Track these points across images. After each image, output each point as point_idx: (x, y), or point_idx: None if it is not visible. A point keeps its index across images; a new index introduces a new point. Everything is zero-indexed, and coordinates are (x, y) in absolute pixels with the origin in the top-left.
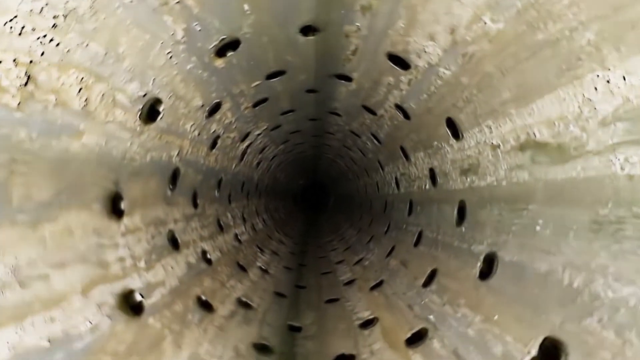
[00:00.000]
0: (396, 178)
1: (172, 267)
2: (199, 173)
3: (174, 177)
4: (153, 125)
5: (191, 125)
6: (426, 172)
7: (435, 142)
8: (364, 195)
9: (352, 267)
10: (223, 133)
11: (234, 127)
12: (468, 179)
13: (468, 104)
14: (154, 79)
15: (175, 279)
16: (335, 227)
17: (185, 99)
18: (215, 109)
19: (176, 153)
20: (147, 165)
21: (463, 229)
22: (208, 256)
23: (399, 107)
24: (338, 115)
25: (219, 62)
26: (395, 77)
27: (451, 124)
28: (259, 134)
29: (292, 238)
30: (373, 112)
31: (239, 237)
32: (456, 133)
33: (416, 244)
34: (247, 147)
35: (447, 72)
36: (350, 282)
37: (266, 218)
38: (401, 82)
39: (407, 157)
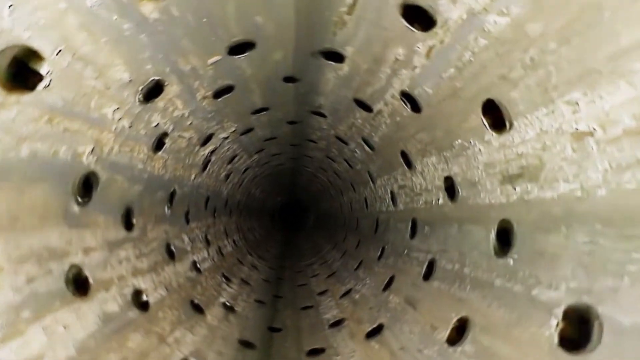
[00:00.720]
0: (392, 192)
1: (65, 327)
2: (136, 182)
3: (87, 185)
4: (29, 97)
5: (114, 111)
6: (439, 183)
7: (459, 141)
8: (349, 213)
9: (338, 300)
10: (173, 130)
11: (189, 123)
12: (518, 189)
13: (530, 73)
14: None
15: (71, 346)
16: (317, 249)
17: (96, 63)
18: (154, 91)
19: (89, 150)
20: (23, 163)
21: (510, 262)
22: (143, 298)
23: (406, 96)
24: (322, 115)
25: (150, 10)
26: (408, 45)
27: (491, 109)
28: (225, 138)
29: (267, 261)
30: (368, 108)
31: (199, 265)
32: (500, 122)
33: (426, 276)
34: (211, 153)
35: (501, 22)
36: (338, 324)
37: (237, 239)
38: (417, 52)
39: (409, 164)
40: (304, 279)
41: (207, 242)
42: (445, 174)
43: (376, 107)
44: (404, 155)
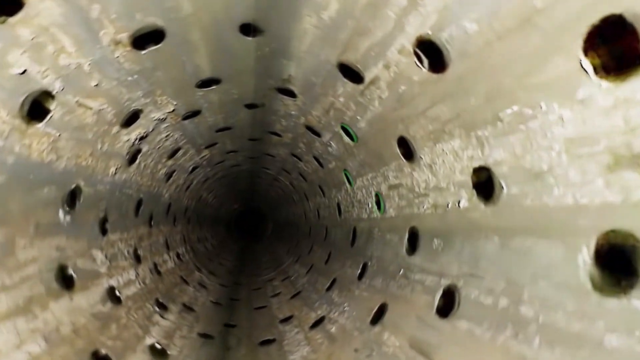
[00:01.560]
0: (378, 194)
1: None
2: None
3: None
4: None
5: None
6: (463, 178)
7: (515, 108)
8: (316, 221)
9: (308, 333)
10: (63, 90)
11: (93, 84)
12: None
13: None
14: None
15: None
16: (278, 261)
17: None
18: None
19: None
20: None
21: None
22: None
23: (424, 46)
24: (291, 95)
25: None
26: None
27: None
28: (161, 120)
29: (220, 278)
30: (358, 77)
31: (118, 293)
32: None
33: (444, 312)
34: (140, 139)
35: None
36: None
37: (183, 252)
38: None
39: (410, 155)
40: (263, 299)
41: (137, 259)
42: (477, 164)
43: (370, 73)
44: (402, 142)
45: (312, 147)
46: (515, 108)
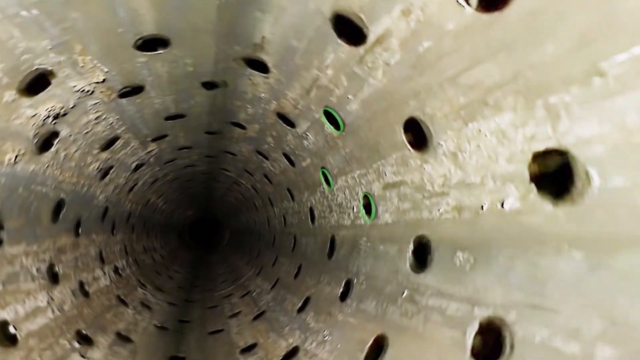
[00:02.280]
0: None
1: None
2: None
3: None
4: None
5: None
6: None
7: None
8: (282, 229)
9: None
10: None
11: None
12: None
13: None
14: None
15: None
16: (235, 273)
17: None
18: None
19: None
20: None
21: None
22: None
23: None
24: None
25: None
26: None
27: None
28: (85, 94)
29: (168, 294)
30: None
31: (13, 329)
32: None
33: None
34: (54, 119)
35: None
36: None
37: (123, 266)
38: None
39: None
40: (219, 321)
41: (53, 278)
42: (542, 146)
43: (378, 26)
44: (411, 126)
45: (282, 141)
46: (637, 51)
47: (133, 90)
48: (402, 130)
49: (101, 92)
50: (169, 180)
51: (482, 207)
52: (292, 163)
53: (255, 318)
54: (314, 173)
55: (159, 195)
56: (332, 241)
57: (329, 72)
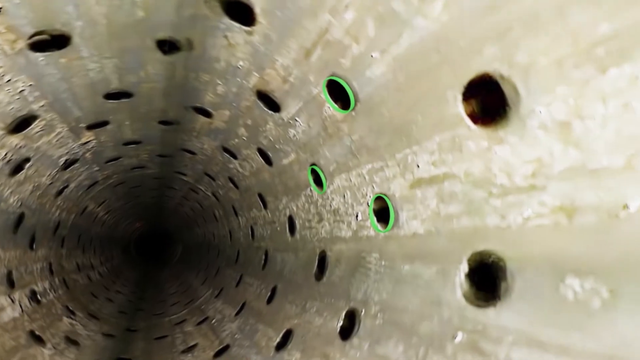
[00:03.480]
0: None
1: None
2: None
3: None
4: None
5: None
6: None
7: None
8: (249, 243)
9: None
10: None
11: None
12: None
13: None
14: None
15: None
16: (188, 294)
17: None
18: None
19: None
20: None
21: None
22: None
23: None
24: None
25: None
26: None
27: None
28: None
29: (104, 323)
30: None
31: None
32: None
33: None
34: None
35: None
36: None
37: (46, 289)
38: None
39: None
40: (168, 357)
41: None
42: None
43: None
44: (484, 87)
45: (259, 132)
46: None
47: (53, 41)
48: (459, 98)
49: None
50: (111, 185)
51: (625, 206)
52: (268, 161)
53: (217, 355)
54: (298, 172)
55: (99, 202)
56: (322, 258)
57: (349, 14)
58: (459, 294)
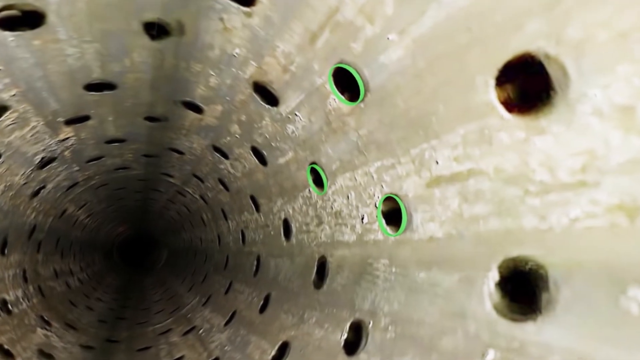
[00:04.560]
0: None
1: None
2: None
3: None
4: None
5: None
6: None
7: None
8: (239, 248)
9: None
10: None
11: None
12: None
13: None
14: None
15: None
16: (173, 301)
17: None
18: None
19: None
20: None
21: None
22: None
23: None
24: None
25: None
26: None
27: None
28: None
29: (82, 333)
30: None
31: None
32: None
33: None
34: None
35: None
36: None
37: (18, 298)
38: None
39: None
40: None
41: None
42: None
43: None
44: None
45: (254, 129)
46: None
47: (25, 18)
48: (492, 83)
49: None
50: (93, 187)
51: None
52: (263, 161)
53: None
54: (296, 172)
55: (80, 205)
56: (322, 264)
57: None
58: (488, 305)
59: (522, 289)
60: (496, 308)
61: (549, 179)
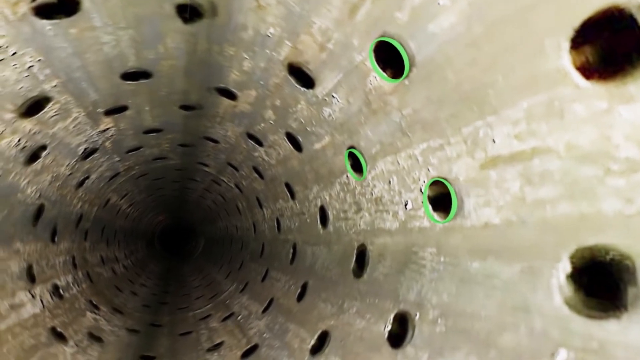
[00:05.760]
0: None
1: None
2: None
3: None
4: None
5: None
6: None
7: None
8: (274, 235)
9: None
10: None
11: None
12: None
13: None
14: None
15: None
16: (211, 287)
17: None
18: None
19: None
20: None
21: None
22: None
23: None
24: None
25: None
26: None
27: None
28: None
29: (128, 317)
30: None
31: None
32: None
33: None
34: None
35: None
36: None
37: (68, 283)
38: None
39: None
40: (194, 356)
41: None
42: None
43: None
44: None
45: (288, 114)
46: None
47: (61, 5)
48: (565, 46)
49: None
50: (133, 177)
51: None
52: (298, 147)
53: (245, 355)
54: (333, 157)
55: (122, 195)
56: (362, 252)
57: None
58: (557, 299)
59: (602, 282)
60: (568, 303)
61: (637, 155)
